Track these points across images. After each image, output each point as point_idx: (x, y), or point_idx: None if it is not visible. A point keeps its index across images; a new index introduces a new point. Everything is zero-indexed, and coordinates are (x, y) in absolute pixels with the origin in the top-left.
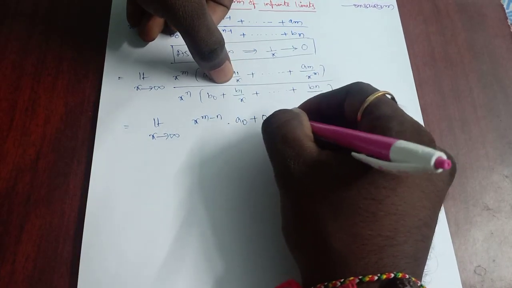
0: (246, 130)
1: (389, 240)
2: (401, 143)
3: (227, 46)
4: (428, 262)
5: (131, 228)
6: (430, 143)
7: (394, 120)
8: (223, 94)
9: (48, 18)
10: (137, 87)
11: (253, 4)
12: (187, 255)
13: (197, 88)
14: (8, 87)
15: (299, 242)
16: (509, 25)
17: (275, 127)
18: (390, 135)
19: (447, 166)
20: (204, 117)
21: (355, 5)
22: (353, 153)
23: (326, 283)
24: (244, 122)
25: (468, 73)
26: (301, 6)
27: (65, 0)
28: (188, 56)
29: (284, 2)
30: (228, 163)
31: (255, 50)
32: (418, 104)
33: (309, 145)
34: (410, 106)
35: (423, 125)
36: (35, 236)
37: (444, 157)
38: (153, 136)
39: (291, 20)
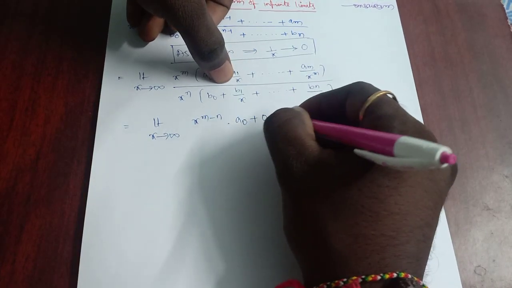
0: (246, 130)
1: (391, 240)
2: (405, 139)
3: (227, 46)
4: (428, 262)
5: (131, 228)
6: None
7: (396, 120)
8: (223, 94)
9: (48, 18)
10: (137, 87)
11: (253, 4)
12: (187, 255)
13: (197, 88)
14: (8, 87)
15: (301, 241)
16: (509, 25)
17: (277, 126)
18: None
19: (452, 160)
20: (204, 117)
21: (355, 5)
22: (356, 150)
23: (328, 283)
24: (244, 122)
25: (468, 73)
26: (301, 6)
27: (65, 0)
28: (188, 56)
29: (284, 2)
30: (228, 163)
31: (255, 50)
32: (418, 104)
33: (311, 143)
34: (410, 106)
35: None
36: (35, 236)
37: (449, 151)
38: (153, 136)
39: (291, 20)
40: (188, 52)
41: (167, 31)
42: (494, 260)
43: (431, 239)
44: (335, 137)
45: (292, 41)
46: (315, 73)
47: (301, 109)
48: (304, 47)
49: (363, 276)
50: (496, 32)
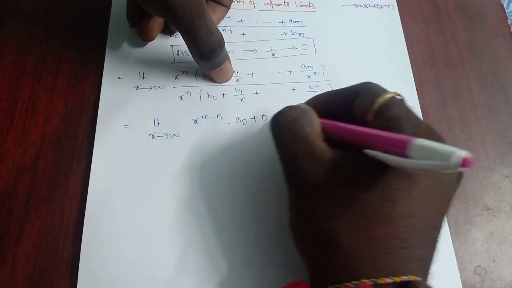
0: (246, 130)
1: (402, 243)
2: (422, 141)
3: (227, 46)
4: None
5: (131, 228)
6: None
7: (408, 122)
8: (223, 94)
9: (48, 18)
10: (137, 87)
11: (253, 4)
12: (187, 255)
13: (197, 88)
14: (8, 87)
15: (309, 242)
16: (509, 25)
17: (285, 124)
18: None
19: (472, 165)
20: (204, 117)
21: (355, 5)
22: (367, 150)
23: (338, 285)
24: (244, 122)
25: (468, 73)
26: (301, 6)
27: (65, 0)
28: (188, 56)
29: (284, 2)
30: (228, 163)
31: (255, 50)
32: (418, 104)
33: (320, 143)
34: (410, 106)
35: None
36: (35, 236)
37: (469, 155)
38: (153, 136)
39: (291, 20)
40: (188, 52)
41: (167, 31)
42: (494, 260)
43: (437, 242)
44: (343, 136)
45: (292, 41)
46: (315, 73)
47: (308, 107)
48: (304, 47)
49: (374, 279)
50: (496, 32)
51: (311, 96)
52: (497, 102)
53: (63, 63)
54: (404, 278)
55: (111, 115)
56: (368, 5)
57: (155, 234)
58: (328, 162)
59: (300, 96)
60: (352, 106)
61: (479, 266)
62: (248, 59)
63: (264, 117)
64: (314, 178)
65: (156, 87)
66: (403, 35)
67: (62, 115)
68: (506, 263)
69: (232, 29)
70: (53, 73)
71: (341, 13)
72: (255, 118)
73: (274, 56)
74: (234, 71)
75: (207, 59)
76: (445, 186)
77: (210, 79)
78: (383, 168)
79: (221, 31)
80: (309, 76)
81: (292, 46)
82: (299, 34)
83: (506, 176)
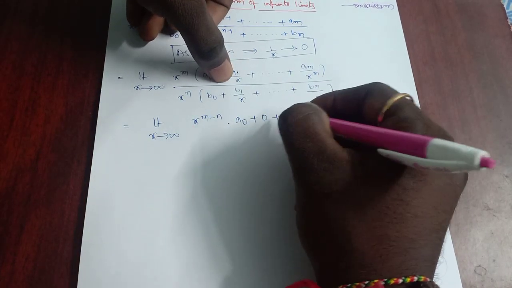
0: (246, 130)
1: (413, 243)
2: (440, 141)
3: (227, 46)
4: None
5: (131, 228)
6: None
7: (420, 123)
8: (223, 94)
9: (48, 18)
10: (137, 87)
11: (253, 4)
12: (187, 255)
13: (197, 88)
14: (8, 87)
15: (318, 241)
16: (509, 25)
17: (295, 121)
18: None
19: (492, 165)
20: (204, 117)
21: (355, 5)
22: (381, 150)
23: (349, 285)
24: (244, 122)
25: (468, 73)
26: (301, 6)
27: (65, 0)
28: (188, 56)
29: (284, 2)
30: (228, 163)
31: (255, 50)
32: (418, 104)
33: (331, 141)
34: None
35: None
36: (35, 236)
37: (488, 155)
38: (153, 136)
39: (291, 20)
40: (188, 52)
41: (167, 31)
42: (494, 260)
43: (443, 243)
44: (353, 136)
45: (292, 41)
46: (315, 73)
47: (317, 106)
48: (304, 47)
49: (385, 279)
50: (496, 32)
51: (311, 96)
52: (497, 102)
53: (63, 63)
54: (415, 278)
55: (111, 115)
56: (368, 5)
57: (155, 234)
58: (340, 161)
59: (300, 96)
60: (362, 106)
61: (479, 266)
62: (248, 59)
63: (264, 117)
64: (325, 177)
65: (156, 87)
66: (403, 35)
67: (62, 115)
68: (506, 263)
69: (232, 29)
70: (53, 73)
71: (341, 13)
72: (255, 118)
73: (274, 56)
74: (234, 71)
75: (207, 58)
76: (452, 186)
77: (210, 78)
78: (397, 168)
79: (221, 31)
80: (309, 76)
81: (292, 46)
82: (299, 34)
83: (506, 176)
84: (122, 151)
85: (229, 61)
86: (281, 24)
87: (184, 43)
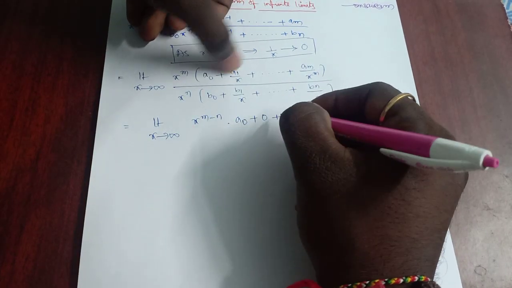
0: (246, 130)
1: (415, 243)
2: (443, 141)
3: None
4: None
5: (131, 228)
6: None
7: (422, 123)
8: (223, 94)
9: (48, 18)
10: (137, 87)
11: (253, 4)
12: (187, 255)
13: (197, 88)
14: (8, 87)
15: (319, 241)
16: (509, 25)
17: (297, 120)
18: None
19: (496, 164)
20: (204, 117)
21: (355, 5)
22: (383, 149)
23: (350, 285)
24: (244, 122)
25: (468, 73)
26: (301, 6)
27: (65, 0)
28: (188, 56)
29: (284, 2)
30: (228, 163)
31: (255, 50)
32: (418, 104)
33: (334, 140)
34: None
35: None
36: (35, 236)
37: (491, 155)
38: (153, 136)
39: (291, 20)
40: (188, 52)
41: (167, 31)
42: (494, 260)
43: (444, 242)
44: (355, 135)
45: (292, 41)
46: (315, 73)
47: (318, 105)
48: (304, 47)
49: (386, 279)
50: (496, 32)
51: (311, 96)
52: (497, 102)
53: (63, 63)
54: (416, 278)
55: (111, 115)
56: (368, 5)
57: (155, 234)
58: (343, 160)
59: (300, 96)
60: (363, 105)
61: (479, 266)
62: (248, 59)
63: (264, 117)
64: (329, 176)
65: (156, 87)
66: (403, 35)
67: (62, 115)
68: (506, 263)
69: (232, 29)
70: (53, 73)
71: (341, 13)
72: (255, 118)
73: (274, 56)
74: (234, 71)
75: (219, 49)
76: (454, 186)
77: (219, 69)
78: (400, 167)
79: None
80: (309, 76)
81: (292, 46)
82: (299, 34)
83: (506, 176)
84: (122, 151)
85: (237, 51)
86: (281, 24)
87: (184, 43)
